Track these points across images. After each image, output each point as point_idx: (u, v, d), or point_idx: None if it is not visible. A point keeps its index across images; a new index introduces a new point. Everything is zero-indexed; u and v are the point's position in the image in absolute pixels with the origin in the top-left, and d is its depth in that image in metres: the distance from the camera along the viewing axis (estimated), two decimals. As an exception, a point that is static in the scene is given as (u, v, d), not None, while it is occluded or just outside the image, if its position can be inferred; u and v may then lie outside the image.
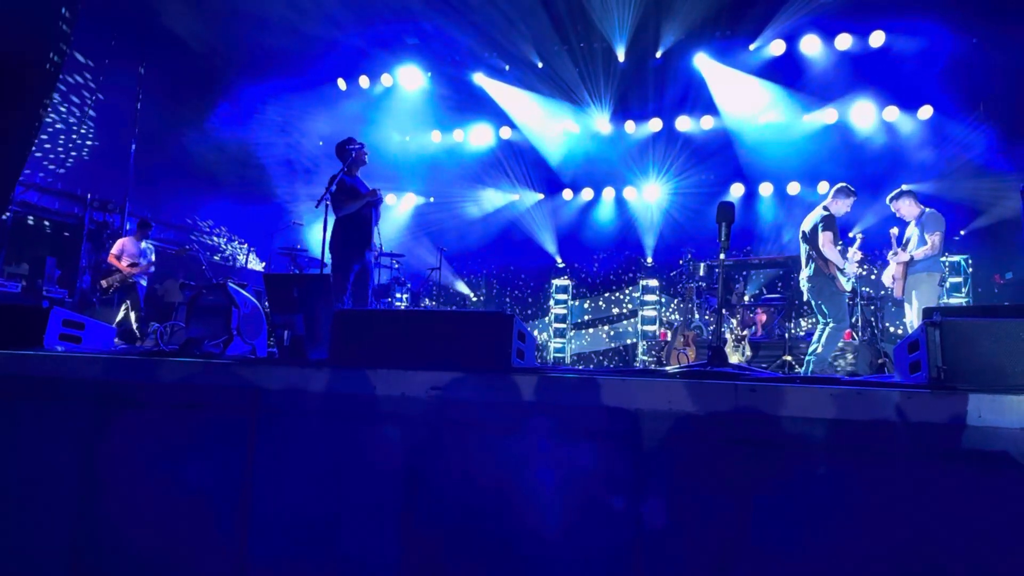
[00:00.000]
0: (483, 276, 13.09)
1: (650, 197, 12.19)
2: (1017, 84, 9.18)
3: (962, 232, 9.59)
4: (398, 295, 9.81)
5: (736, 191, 11.62)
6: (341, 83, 12.17)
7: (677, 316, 10.11)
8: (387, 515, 2.69)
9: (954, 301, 8.28)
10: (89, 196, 10.42)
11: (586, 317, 12.55)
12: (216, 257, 11.87)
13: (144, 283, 8.68)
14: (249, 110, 11.67)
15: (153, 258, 8.74)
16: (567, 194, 12.74)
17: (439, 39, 11.16)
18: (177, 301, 8.74)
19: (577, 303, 12.43)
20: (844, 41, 10.25)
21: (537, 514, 2.56)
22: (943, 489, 2.21)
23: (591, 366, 11.31)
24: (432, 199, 12.93)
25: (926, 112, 10.32)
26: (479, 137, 12.49)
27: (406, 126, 12.50)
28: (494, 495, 2.61)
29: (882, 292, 8.17)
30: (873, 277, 10.02)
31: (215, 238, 12.46)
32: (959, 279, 8.40)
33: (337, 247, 5.67)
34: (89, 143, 10.48)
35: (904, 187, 6.50)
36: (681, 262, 10.00)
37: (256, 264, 11.97)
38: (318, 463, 2.81)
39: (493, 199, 12.95)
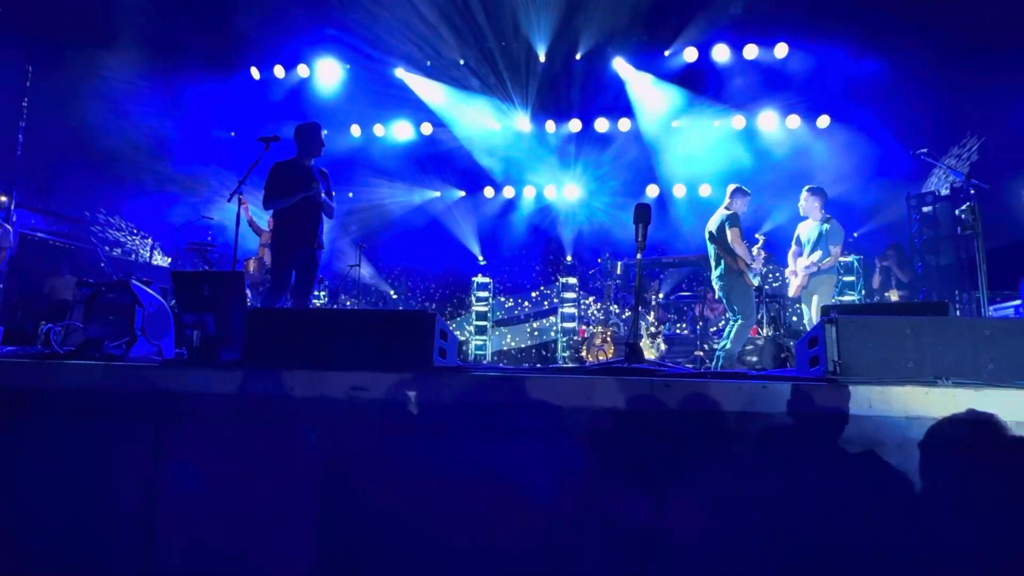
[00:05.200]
0: (404, 273, 12.91)
1: (570, 196, 12.39)
2: (908, 96, 9.89)
3: (855, 234, 10.20)
4: (316, 293, 9.54)
5: (652, 192, 11.97)
6: (255, 72, 11.73)
7: (596, 313, 10.35)
8: (304, 519, 2.63)
9: (847, 298, 8.82)
10: (-31, 185, 9.61)
11: (508, 313, 12.62)
12: (116, 252, 11.14)
13: None
14: (155, 95, 10.98)
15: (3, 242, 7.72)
16: (488, 192, 12.78)
17: (359, 32, 10.88)
18: (71, 299, 8.10)
19: (498, 300, 12.49)
20: (751, 51, 10.78)
21: (460, 513, 2.57)
22: (839, 473, 2.38)
23: (512, 364, 11.41)
24: (351, 194, 12.61)
25: (824, 121, 11.03)
26: (400, 132, 12.32)
27: (324, 118, 12.03)
28: (416, 495, 2.59)
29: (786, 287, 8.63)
30: (775, 277, 10.57)
31: (115, 231, 11.70)
32: (852, 278, 8.96)
33: (275, 241, 5.51)
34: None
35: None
36: (600, 260, 10.23)
37: (161, 260, 11.28)
38: (231, 469, 2.71)
39: (414, 195, 12.82)
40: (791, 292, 7.10)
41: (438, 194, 12.86)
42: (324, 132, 5.93)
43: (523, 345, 12.41)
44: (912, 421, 2.31)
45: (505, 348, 12.41)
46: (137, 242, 11.73)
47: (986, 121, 9.53)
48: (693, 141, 11.45)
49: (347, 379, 2.68)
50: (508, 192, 12.74)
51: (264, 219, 8.05)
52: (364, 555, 2.58)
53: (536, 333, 12.47)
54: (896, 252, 9.02)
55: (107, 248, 10.69)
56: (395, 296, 12.78)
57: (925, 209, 9.48)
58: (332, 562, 2.60)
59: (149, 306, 3.60)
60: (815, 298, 6.69)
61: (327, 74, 11.75)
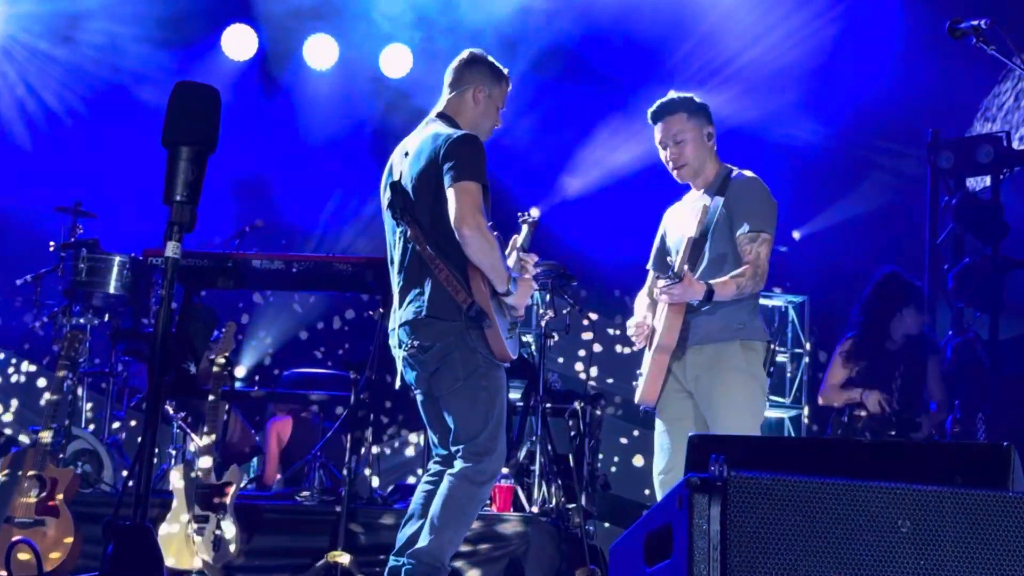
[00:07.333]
0: None
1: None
2: None
3: (796, 234, 10.60)
4: None
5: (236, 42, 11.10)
6: None
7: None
8: None
9: (774, 415, 9.27)
10: None
11: None
12: None
13: None
14: None
15: None
16: None
17: None
18: None
19: None
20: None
21: None
22: None
23: None
24: None
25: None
26: None
27: None
28: None
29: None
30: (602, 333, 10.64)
31: None
32: (784, 357, 9.25)
33: None
34: None
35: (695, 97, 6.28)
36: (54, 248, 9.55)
37: None
38: None
39: None
40: (640, 394, 6.25)
41: None
42: None
43: None
44: None
45: None
46: None
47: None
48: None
49: None
50: None
51: None
52: None
53: None
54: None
55: None
56: None
57: (972, 182, 9.31)
58: None
59: None
60: (721, 406, 5.86)
61: None
